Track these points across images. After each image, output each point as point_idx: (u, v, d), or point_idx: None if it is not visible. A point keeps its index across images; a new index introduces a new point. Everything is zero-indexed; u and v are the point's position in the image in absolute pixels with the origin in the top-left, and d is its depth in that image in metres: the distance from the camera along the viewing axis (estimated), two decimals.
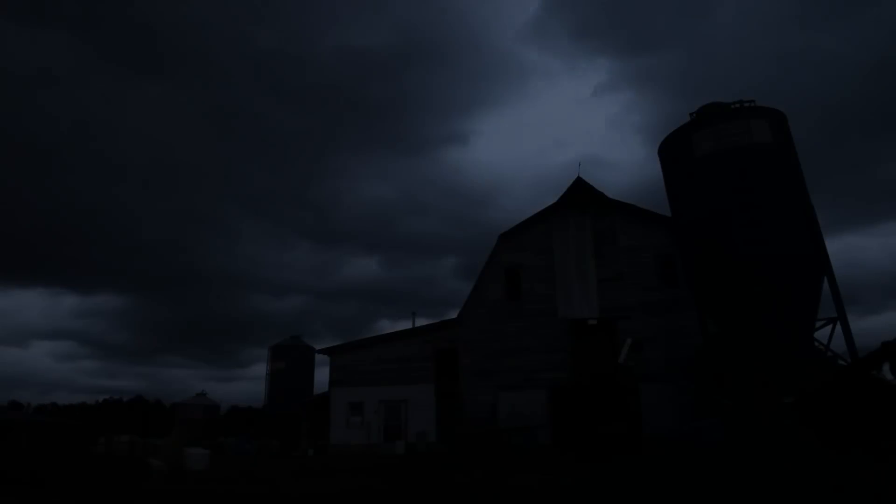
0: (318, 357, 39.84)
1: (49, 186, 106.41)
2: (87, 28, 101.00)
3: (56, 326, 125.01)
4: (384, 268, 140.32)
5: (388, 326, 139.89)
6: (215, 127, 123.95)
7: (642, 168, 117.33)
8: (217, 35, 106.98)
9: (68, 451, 18.66)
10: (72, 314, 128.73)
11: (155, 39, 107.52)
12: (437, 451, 23.54)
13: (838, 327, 16.44)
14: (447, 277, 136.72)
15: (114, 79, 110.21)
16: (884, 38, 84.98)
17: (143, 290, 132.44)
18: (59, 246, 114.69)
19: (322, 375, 42.60)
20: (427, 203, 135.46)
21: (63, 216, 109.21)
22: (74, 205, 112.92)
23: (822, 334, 16.87)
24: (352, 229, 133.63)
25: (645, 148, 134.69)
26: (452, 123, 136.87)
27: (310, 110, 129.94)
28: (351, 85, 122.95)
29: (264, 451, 30.17)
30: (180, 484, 13.74)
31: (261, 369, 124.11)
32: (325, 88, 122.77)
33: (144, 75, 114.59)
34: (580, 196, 26.54)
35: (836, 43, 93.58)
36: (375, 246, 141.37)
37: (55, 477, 13.51)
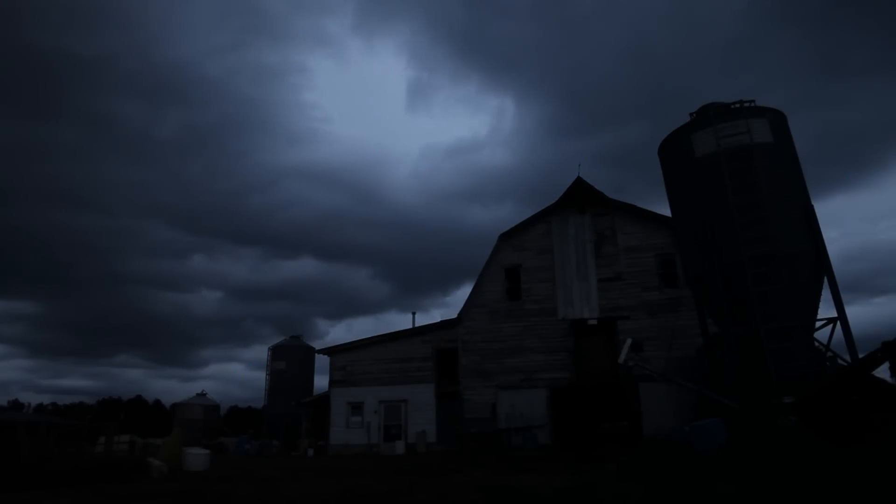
0: (318, 357, 39.87)
1: None
2: None
3: None
4: (311, 270, 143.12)
5: (324, 325, 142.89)
6: (99, 143, 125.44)
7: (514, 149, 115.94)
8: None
9: (68, 450, 18.67)
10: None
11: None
12: (437, 452, 23.54)
13: (838, 327, 16.43)
14: (364, 276, 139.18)
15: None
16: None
17: (76, 296, 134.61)
18: None
19: (322, 375, 42.63)
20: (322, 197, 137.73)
21: None
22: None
23: (822, 334, 16.88)
24: (269, 234, 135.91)
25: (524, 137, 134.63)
26: (316, 110, 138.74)
27: (198, 115, 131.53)
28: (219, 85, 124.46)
29: (264, 451, 30.16)
30: (180, 484, 13.73)
31: (217, 370, 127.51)
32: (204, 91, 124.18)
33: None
34: (580, 196, 26.58)
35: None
36: (299, 248, 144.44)
37: (55, 477, 13.50)
